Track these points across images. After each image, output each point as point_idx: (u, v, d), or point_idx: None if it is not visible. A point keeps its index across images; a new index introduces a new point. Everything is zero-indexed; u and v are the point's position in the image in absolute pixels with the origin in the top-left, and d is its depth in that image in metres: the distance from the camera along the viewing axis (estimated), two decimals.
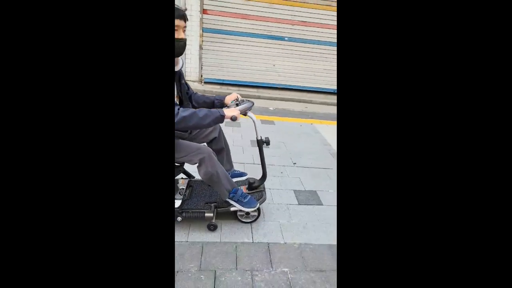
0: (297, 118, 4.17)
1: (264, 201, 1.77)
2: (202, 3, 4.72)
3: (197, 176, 1.90)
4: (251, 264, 1.48)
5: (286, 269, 1.47)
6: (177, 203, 1.65)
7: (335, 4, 4.83)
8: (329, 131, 3.63)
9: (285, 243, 1.66)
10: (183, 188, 1.79)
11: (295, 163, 2.64)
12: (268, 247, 1.61)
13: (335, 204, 2.08)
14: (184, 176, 1.94)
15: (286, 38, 5.07)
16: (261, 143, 1.68)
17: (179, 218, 1.62)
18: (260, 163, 1.76)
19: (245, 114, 1.52)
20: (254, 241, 1.64)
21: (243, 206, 1.66)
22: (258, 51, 5.11)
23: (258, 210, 1.76)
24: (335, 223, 1.88)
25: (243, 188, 1.79)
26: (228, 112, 1.38)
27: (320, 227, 1.81)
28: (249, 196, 1.70)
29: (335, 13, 4.89)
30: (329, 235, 1.75)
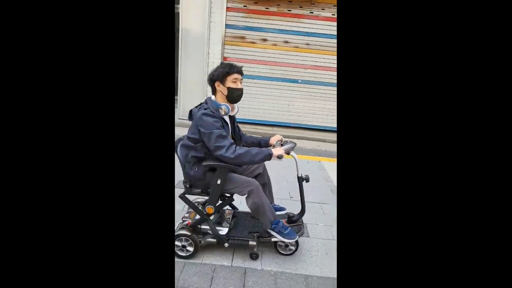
0: (306, 155, 4.30)
1: (302, 235, 1.90)
2: (223, 52, 5.30)
3: (241, 209, 2.15)
4: (224, 285, 1.59)
5: None
6: (225, 230, 1.84)
7: None
8: (335, 169, 3.70)
9: (262, 269, 1.75)
10: (229, 218, 1.98)
11: (292, 197, 2.75)
12: (245, 271, 1.72)
13: (321, 237, 2.14)
14: (230, 208, 2.14)
15: (299, 81, 5.42)
16: (301, 180, 1.85)
17: (226, 244, 1.79)
18: (300, 198, 1.89)
19: (288, 153, 1.70)
20: (232, 265, 1.75)
21: (283, 237, 1.78)
22: (273, 92, 5.49)
23: (297, 242, 1.90)
24: (317, 255, 1.93)
25: (283, 221, 1.90)
26: (275, 151, 1.63)
27: (301, 258, 1.88)
28: (289, 228, 1.83)
29: None
30: (308, 266, 1.82)
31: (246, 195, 1.71)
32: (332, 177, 3.43)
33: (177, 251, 1.78)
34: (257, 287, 1.60)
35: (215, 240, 1.80)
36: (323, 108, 5.56)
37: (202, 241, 1.80)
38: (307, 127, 5.62)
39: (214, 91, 1.74)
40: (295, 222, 1.93)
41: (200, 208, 1.82)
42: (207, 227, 1.81)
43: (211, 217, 1.82)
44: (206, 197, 1.81)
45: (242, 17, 5.17)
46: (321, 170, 3.61)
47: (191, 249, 1.77)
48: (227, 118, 1.75)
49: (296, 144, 1.79)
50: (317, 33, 5.19)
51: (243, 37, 5.26)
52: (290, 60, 5.33)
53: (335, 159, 4.19)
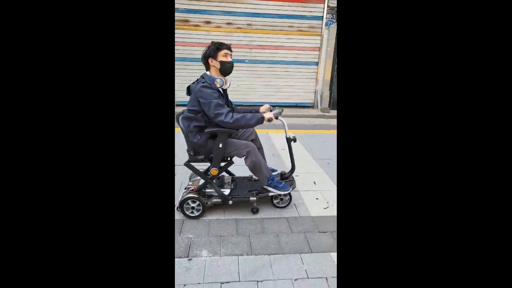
0: (256, 128, 4.62)
1: (294, 188, 2.23)
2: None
3: (237, 174, 2.45)
4: (191, 232, 1.90)
5: (191, 236, 1.86)
6: (227, 191, 2.14)
7: (286, 28, 5.49)
8: (279, 138, 4.10)
9: (226, 219, 2.07)
10: (229, 182, 2.28)
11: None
12: (209, 223, 2.03)
13: None
14: (227, 175, 2.41)
15: (246, 61, 5.68)
16: (290, 141, 2.14)
17: (230, 202, 2.07)
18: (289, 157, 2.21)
19: (277, 118, 1.98)
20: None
21: (279, 190, 2.10)
22: None
23: (290, 195, 2.21)
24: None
25: (277, 178, 2.20)
26: (266, 115, 1.91)
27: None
28: (283, 182, 2.14)
29: (286, 36, 5.56)
30: (245, 214, 2.14)
31: (245, 156, 1.99)
32: (276, 144, 3.82)
33: (187, 213, 2.02)
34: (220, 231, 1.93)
35: (220, 200, 2.06)
36: (271, 86, 5.91)
37: (209, 202, 2.05)
38: (257, 105, 5.95)
39: (208, 68, 1.97)
40: (287, 178, 2.27)
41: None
42: (212, 190, 2.08)
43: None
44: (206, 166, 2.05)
45: None
46: (267, 140, 4.01)
47: (200, 208, 2.03)
48: (221, 91, 2.00)
49: (283, 109, 2.11)
50: (258, 13, 5.43)
51: (186, 20, 5.34)
52: (235, 41, 5.54)
53: (280, 130, 4.58)
